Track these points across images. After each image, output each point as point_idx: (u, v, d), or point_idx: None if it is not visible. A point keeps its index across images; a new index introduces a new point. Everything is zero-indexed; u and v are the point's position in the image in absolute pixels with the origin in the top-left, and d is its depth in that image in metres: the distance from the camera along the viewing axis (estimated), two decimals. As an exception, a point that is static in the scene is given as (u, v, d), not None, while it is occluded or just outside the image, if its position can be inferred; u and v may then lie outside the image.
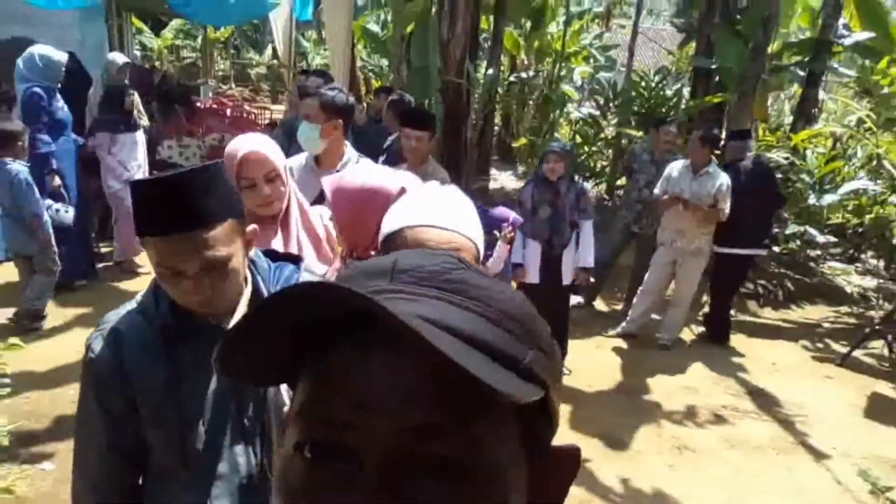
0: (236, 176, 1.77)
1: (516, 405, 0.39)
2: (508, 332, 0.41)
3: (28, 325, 4.11)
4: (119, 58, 5.28)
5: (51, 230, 4.07)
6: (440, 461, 0.37)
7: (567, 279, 3.98)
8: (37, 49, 4.56)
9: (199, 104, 10.19)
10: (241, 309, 1.23)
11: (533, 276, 3.95)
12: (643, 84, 8.41)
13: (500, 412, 0.39)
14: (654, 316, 5.04)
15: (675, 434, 3.73)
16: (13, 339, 2.43)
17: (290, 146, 2.91)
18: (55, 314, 4.34)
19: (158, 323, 1.19)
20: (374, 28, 11.75)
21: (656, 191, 4.66)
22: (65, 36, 9.57)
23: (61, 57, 4.64)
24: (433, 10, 7.56)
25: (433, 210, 1.15)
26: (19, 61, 4.61)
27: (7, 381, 2.72)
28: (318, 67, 12.17)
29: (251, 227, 1.25)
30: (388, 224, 1.17)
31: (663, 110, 7.87)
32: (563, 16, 10.21)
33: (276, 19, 9.34)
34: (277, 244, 1.82)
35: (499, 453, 0.39)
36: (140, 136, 5.30)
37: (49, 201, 4.31)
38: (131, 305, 1.24)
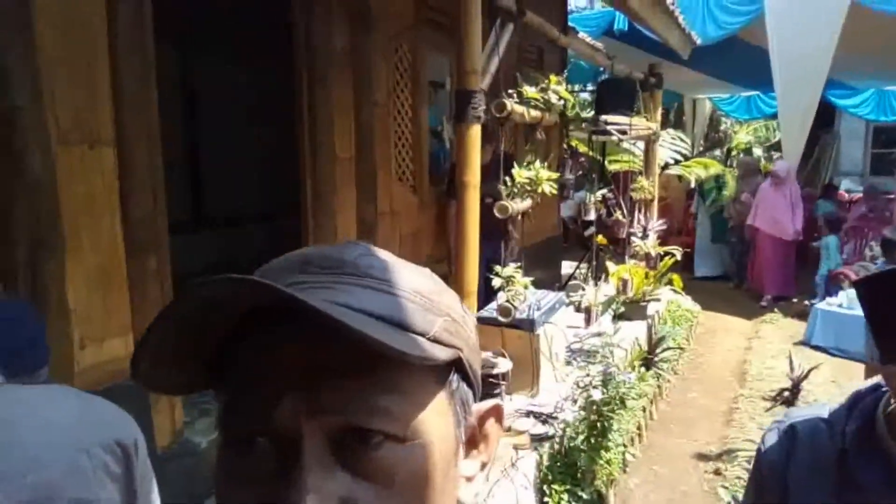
0: None
1: (437, 374, 0.43)
2: (417, 304, 0.43)
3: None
4: None
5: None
6: (370, 434, 0.39)
7: None
8: None
9: None
10: None
11: None
12: None
13: (421, 383, 0.42)
14: None
15: None
16: None
17: None
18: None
19: (838, 443, 0.98)
20: None
21: None
22: None
23: None
24: None
25: None
26: None
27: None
28: None
29: None
30: None
31: None
32: None
33: None
34: None
35: (425, 418, 0.42)
36: None
37: None
38: (822, 410, 1.06)
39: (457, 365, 0.45)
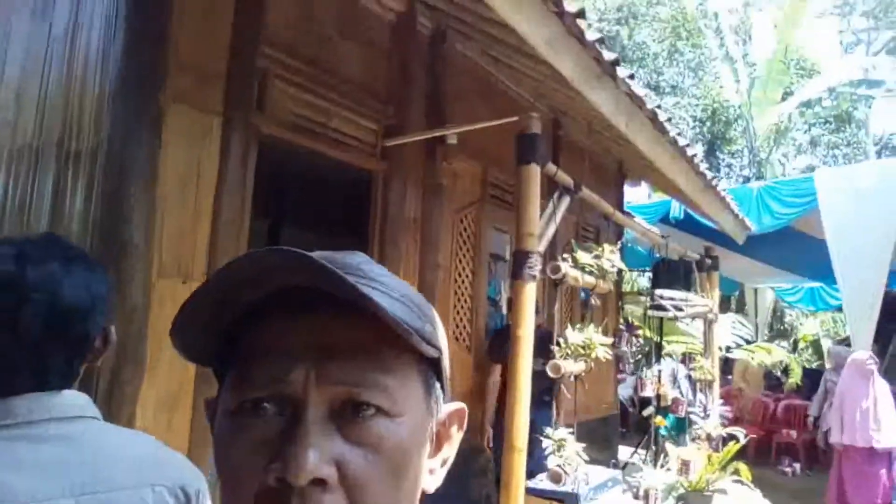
0: None
1: (421, 368, 0.52)
2: (411, 308, 0.51)
3: None
4: None
5: None
6: (365, 407, 0.47)
7: None
8: None
9: None
10: None
11: None
12: None
13: (408, 372, 0.50)
14: None
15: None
16: None
17: None
18: None
19: None
20: None
21: None
22: None
23: None
24: None
25: None
26: None
27: None
28: None
29: None
30: None
31: None
32: None
33: None
34: None
35: (410, 403, 0.50)
36: None
37: None
38: None
39: (436, 365, 0.54)
